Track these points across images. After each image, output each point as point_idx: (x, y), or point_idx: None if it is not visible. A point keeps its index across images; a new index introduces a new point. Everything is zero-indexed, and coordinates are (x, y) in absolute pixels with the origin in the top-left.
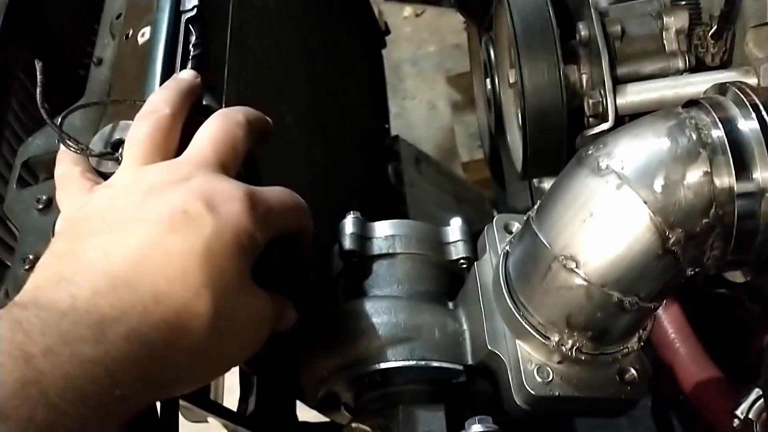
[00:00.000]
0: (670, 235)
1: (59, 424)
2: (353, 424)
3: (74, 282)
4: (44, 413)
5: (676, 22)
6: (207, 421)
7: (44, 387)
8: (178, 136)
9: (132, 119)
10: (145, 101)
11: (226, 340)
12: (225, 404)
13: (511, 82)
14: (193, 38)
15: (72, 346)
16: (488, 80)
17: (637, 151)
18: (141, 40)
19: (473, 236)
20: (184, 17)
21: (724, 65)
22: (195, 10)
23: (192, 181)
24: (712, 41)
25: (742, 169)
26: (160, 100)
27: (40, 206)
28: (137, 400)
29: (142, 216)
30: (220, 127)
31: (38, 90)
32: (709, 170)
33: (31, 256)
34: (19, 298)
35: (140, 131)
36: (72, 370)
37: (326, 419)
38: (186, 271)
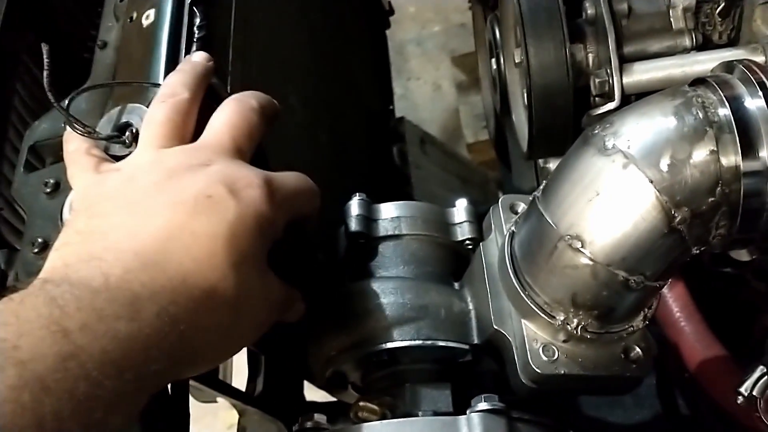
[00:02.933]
0: (676, 214)
1: (98, 397)
2: (361, 403)
3: (105, 260)
4: (84, 386)
5: None
6: (216, 401)
7: (82, 361)
8: (195, 120)
9: (138, 102)
10: (150, 83)
11: (245, 320)
12: (234, 384)
13: (516, 61)
14: (197, 20)
15: (107, 322)
16: (493, 60)
17: (643, 130)
18: (145, 22)
19: (479, 217)
20: None
21: (732, 43)
22: None
23: (212, 167)
24: (720, 19)
25: (749, 147)
26: (178, 83)
27: (48, 190)
28: (167, 375)
29: (167, 198)
30: (236, 112)
31: (45, 73)
32: (715, 149)
33: (39, 240)
34: (49, 274)
35: (159, 113)
36: (108, 346)
37: (334, 399)
38: (212, 253)
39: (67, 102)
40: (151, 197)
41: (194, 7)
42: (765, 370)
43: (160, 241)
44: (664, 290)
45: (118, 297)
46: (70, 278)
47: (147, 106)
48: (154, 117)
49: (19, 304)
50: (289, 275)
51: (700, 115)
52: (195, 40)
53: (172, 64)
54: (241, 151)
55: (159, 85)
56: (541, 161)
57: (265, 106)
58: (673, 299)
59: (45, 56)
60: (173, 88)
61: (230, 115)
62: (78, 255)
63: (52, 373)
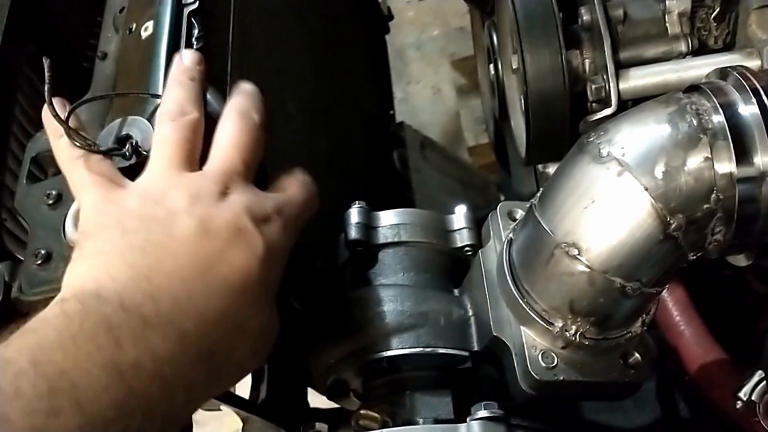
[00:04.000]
0: (672, 221)
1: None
2: (361, 411)
3: (152, 282)
4: (134, 427)
5: (678, 4)
6: (220, 409)
7: (132, 409)
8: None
9: (137, 113)
10: (150, 94)
11: (262, 351)
12: (237, 392)
13: (513, 67)
14: (195, 31)
15: (157, 363)
16: (491, 66)
17: (637, 137)
18: (144, 34)
19: (478, 223)
20: (187, 10)
21: (728, 48)
22: (197, 2)
23: (232, 196)
24: (715, 24)
25: (743, 154)
26: (186, 100)
27: (50, 201)
28: (197, 404)
29: (197, 224)
30: (242, 130)
31: (46, 87)
32: (709, 156)
33: (42, 251)
34: (100, 288)
35: (173, 134)
36: (157, 393)
37: (337, 405)
38: (246, 289)
39: (66, 115)
40: (181, 221)
41: (192, 18)
42: (763, 374)
43: (202, 271)
44: (664, 293)
45: (170, 335)
46: (123, 302)
47: (147, 118)
48: (168, 137)
49: (78, 327)
50: (289, 285)
51: (694, 122)
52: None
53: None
54: (250, 171)
55: (159, 96)
56: (540, 166)
57: (264, 117)
58: (673, 302)
59: (46, 70)
60: (182, 106)
61: (237, 134)
62: (123, 270)
63: (108, 423)
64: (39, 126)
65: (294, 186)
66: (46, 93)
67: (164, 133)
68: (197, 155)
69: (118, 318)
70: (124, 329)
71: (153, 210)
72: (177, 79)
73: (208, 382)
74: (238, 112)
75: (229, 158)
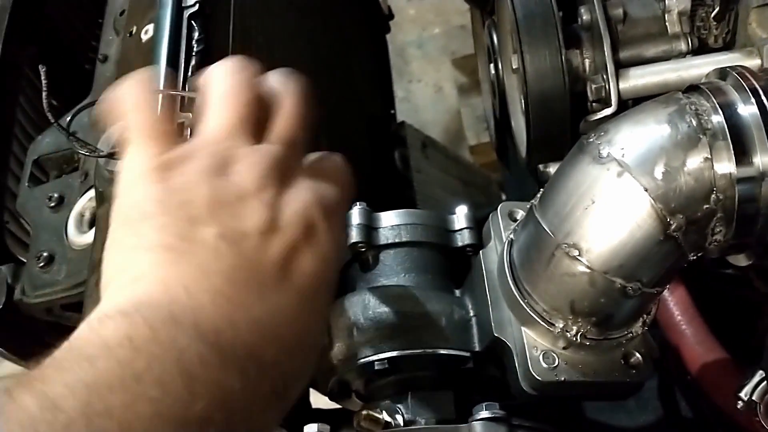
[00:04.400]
0: (671, 221)
1: None
2: (364, 412)
3: (232, 302)
4: None
5: (678, 3)
6: None
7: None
8: None
9: None
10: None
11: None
12: None
13: (514, 67)
14: (196, 34)
15: (228, 408)
16: (492, 65)
17: (637, 138)
18: (144, 37)
19: (479, 222)
20: (187, 13)
21: (728, 46)
22: (197, 5)
23: (300, 180)
24: (715, 23)
25: (742, 154)
26: (247, 62)
27: (52, 204)
28: None
29: (271, 219)
30: (297, 100)
31: (44, 94)
32: (709, 156)
33: (45, 254)
34: (173, 305)
35: (242, 90)
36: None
37: (339, 406)
38: (317, 298)
39: (68, 119)
40: (252, 211)
41: (193, 21)
42: (764, 374)
43: (274, 278)
44: (665, 293)
45: (248, 371)
46: (200, 328)
47: None
48: (235, 92)
49: (146, 364)
50: None
51: (694, 122)
52: (194, 53)
53: (171, 78)
54: (307, 145)
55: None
56: (541, 165)
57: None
58: (674, 302)
59: (43, 77)
60: (247, 62)
61: (294, 103)
62: (197, 280)
63: None
64: (40, 128)
65: (339, 163)
66: (44, 101)
67: (226, 85)
68: (263, 121)
69: (194, 354)
70: (199, 369)
71: (222, 189)
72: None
73: (279, 413)
74: (286, 81)
75: (290, 128)
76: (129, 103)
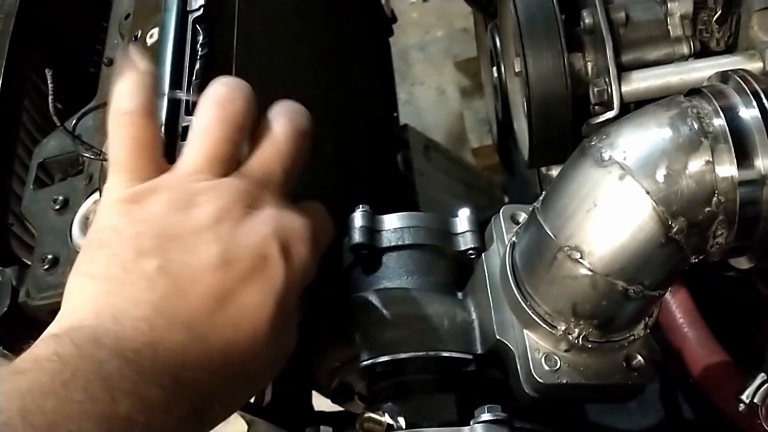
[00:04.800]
0: (673, 224)
1: None
2: (366, 415)
3: (155, 329)
4: None
5: (680, 7)
6: None
7: None
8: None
9: None
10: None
11: (268, 378)
12: None
13: (516, 70)
14: (200, 38)
15: (149, 414)
16: (494, 68)
17: (639, 141)
18: (149, 41)
19: (482, 225)
20: (191, 17)
21: (730, 50)
22: (201, 9)
23: (265, 211)
24: (717, 26)
25: (744, 157)
26: (236, 88)
27: (57, 207)
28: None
29: (220, 249)
30: (287, 134)
31: (50, 98)
32: (710, 159)
33: (49, 256)
34: (98, 328)
35: (217, 123)
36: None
37: (341, 408)
38: (256, 328)
39: (73, 122)
40: (203, 247)
41: (197, 25)
42: (766, 377)
43: (208, 310)
44: (667, 296)
45: (165, 384)
46: (121, 349)
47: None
48: (211, 125)
49: (71, 374)
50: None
51: (695, 125)
52: (198, 57)
53: (176, 81)
54: (289, 183)
55: (164, 94)
56: (543, 168)
57: (311, 127)
58: (676, 305)
59: (49, 80)
60: (232, 91)
61: (282, 139)
62: (126, 309)
63: None
64: (46, 131)
65: (317, 208)
66: (50, 105)
67: (208, 119)
68: (240, 155)
69: (113, 367)
70: (118, 379)
71: (176, 223)
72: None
73: (199, 426)
74: (286, 114)
75: (268, 164)
76: (115, 120)
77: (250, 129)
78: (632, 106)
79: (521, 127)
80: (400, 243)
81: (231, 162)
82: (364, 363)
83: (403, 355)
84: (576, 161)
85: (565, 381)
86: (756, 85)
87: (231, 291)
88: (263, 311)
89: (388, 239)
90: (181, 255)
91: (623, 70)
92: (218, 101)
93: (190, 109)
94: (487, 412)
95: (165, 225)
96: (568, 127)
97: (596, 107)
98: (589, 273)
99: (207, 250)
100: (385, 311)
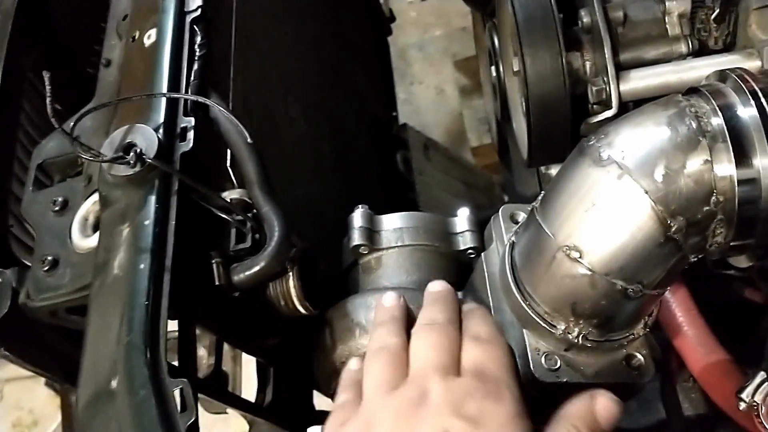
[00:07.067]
0: (672, 223)
1: None
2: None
3: None
4: None
5: (678, 6)
6: (227, 412)
7: None
8: None
9: (142, 121)
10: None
11: None
12: (243, 395)
13: (515, 69)
14: (198, 38)
15: None
16: (493, 68)
17: (637, 140)
18: (147, 42)
19: (481, 225)
20: (189, 18)
21: (728, 48)
22: (199, 10)
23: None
24: (715, 24)
25: (742, 155)
26: (391, 332)
27: (56, 208)
28: None
29: None
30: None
31: (48, 100)
32: (709, 158)
33: (49, 258)
34: None
35: (384, 363)
36: None
37: None
38: None
39: (72, 124)
40: None
41: (195, 26)
42: (766, 375)
43: None
44: (667, 295)
45: None
46: None
47: (150, 126)
48: (380, 366)
49: None
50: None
51: (694, 124)
52: (196, 57)
53: (174, 82)
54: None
55: (163, 95)
56: (542, 167)
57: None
58: (676, 303)
59: (47, 83)
60: (391, 333)
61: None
62: None
63: None
64: (44, 132)
65: None
66: (48, 107)
67: (375, 361)
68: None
69: None
70: None
71: None
72: (381, 318)
73: None
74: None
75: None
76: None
77: None
78: (631, 105)
79: (520, 126)
80: (399, 243)
81: (400, 380)
82: None
83: None
84: (574, 161)
85: (565, 380)
86: (754, 84)
87: None
88: None
89: (387, 239)
90: None
91: (621, 69)
92: (381, 342)
93: (188, 110)
94: None
95: None
96: (566, 126)
97: (595, 106)
98: (588, 272)
99: None
100: None
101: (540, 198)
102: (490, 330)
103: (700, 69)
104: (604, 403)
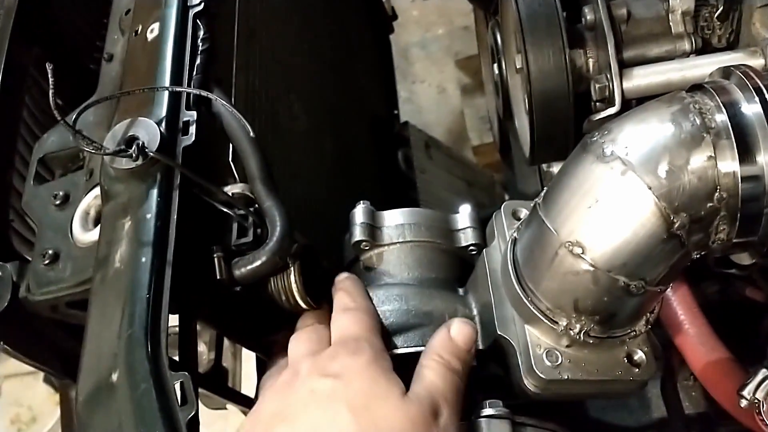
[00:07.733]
0: (675, 220)
1: None
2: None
3: None
4: None
5: (682, 3)
6: (226, 408)
7: None
8: None
9: (144, 115)
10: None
11: None
12: (243, 391)
13: (517, 67)
14: (201, 33)
15: None
16: (495, 65)
17: (641, 136)
18: (150, 36)
19: (483, 222)
20: (192, 12)
21: (731, 46)
22: (202, 4)
23: None
24: (719, 22)
25: (746, 152)
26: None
27: (58, 202)
28: None
29: None
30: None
31: (50, 93)
32: (713, 154)
33: (50, 251)
34: None
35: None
36: None
37: None
38: None
39: (74, 117)
40: None
41: (198, 20)
42: (767, 373)
43: None
44: (668, 292)
45: None
46: None
47: (152, 119)
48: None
49: None
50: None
51: (698, 121)
52: (199, 52)
53: (176, 76)
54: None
55: (166, 88)
56: (544, 165)
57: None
58: (677, 301)
59: (50, 75)
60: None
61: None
62: None
63: None
64: (45, 127)
65: None
66: (51, 99)
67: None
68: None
69: None
70: None
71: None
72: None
73: None
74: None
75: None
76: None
77: None
78: (634, 103)
79: (522, 124)
80: (401, 239)
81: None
82: None
83: (404, 350)
84: (578, 157)
85: (566, 376)
86: (758, 81)
87: None
88: None
89: (389, 236)
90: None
91: (625, 66)
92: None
93: (191, 104)
94: (489, 407)
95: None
96: (569, 124)
97: (597, 104)
98: (591, 268)
99: None
100: (386, 307)
101: (543, 194)
102: (354, 298)
103: (704, 67)
104: (457, 327)
